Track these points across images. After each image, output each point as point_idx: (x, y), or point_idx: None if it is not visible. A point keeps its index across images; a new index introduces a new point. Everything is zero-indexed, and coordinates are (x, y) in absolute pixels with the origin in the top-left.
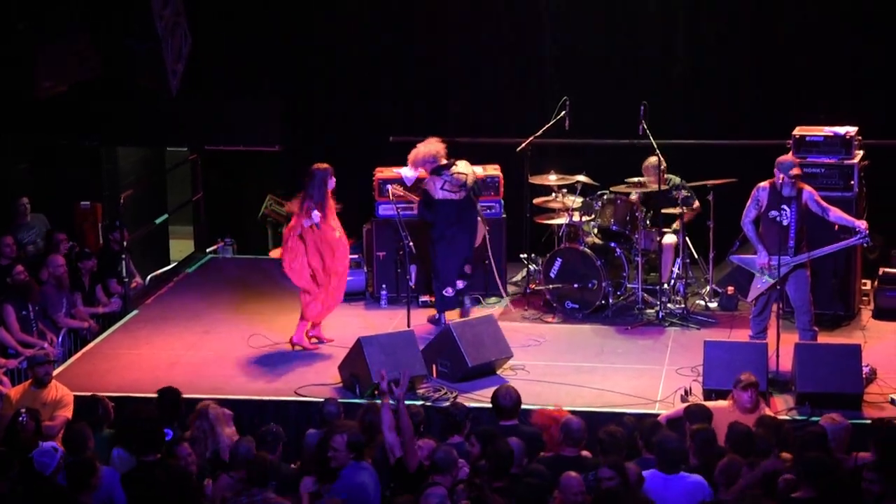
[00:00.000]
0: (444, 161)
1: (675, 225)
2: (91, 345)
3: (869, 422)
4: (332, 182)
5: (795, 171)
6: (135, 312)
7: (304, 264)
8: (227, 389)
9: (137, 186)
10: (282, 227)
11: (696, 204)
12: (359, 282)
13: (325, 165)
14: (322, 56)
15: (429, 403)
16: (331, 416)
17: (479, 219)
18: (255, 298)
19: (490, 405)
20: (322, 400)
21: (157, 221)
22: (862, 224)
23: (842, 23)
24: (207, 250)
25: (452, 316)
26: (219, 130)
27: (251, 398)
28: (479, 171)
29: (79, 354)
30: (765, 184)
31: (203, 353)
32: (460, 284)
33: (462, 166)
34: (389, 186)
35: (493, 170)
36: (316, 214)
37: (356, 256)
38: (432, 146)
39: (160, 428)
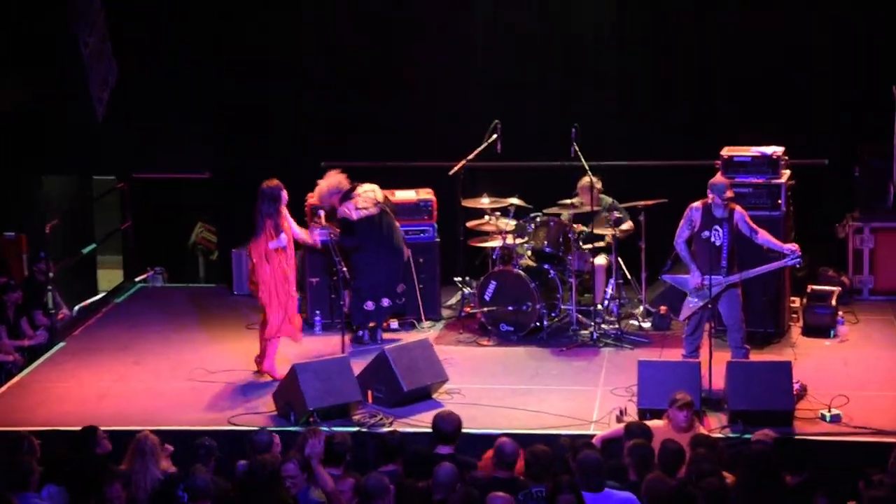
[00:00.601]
0: (348, 186)
1: (608, 246)
2: (16, 378)
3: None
4: (284, 196)
5: (729, 192)
6: (62, 344)
7: (270, 282)
8: (159, 420)
9: (64, 216)
10: (213, 255)
11: (630, 224)
12: None
13: (275, 182)
14: (253, 80)
15: (364, 430)
16: (261, 446)
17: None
18: (186, 328)
19: (427, 429)
20: (258, 428)
21: (85, 251)
22: (792, 247)
23: (767, 43)
24: (137, 280)
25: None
26: (147, 157)
27: (183, 429)
28: (412, 195)
29: (3, 388)
30: (698, 204)
31: (133, 384)
32: (386, 302)
33: (367, 186)
34: (321, 212)
35: (426, 194)
36: (283, 237)
37: None
38: (333, 178)
39: (98, 466)
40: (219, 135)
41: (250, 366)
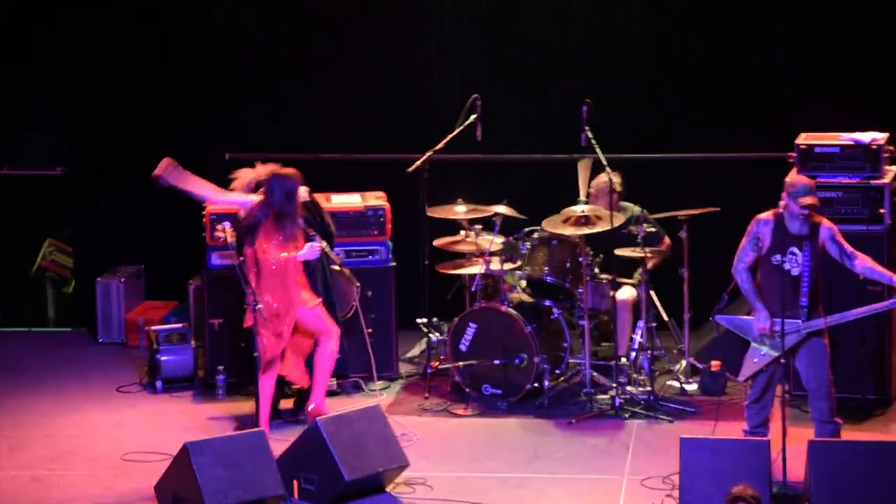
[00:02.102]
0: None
1: (637, 275)
2: None
3: None
4: (304, 193)
5: (809, 199)
6: None
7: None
8: None
9: None
10: (68, 286)
11: (666, 243)
12: (183, 363)
13: (292, 170)
14: (129, 49)
15: None
16: None
17: (339, 269)
18: (29, 392)
19: None
20: None
21: None
22: None
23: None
24: None
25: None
26: None
27: None
28: (357, 201)
29: None
30: (767, 215)
31: None
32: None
33: None
34: (226, 225)
35: (377, 199)
36: (316, 245)
37: (180, 326)
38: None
39: None
40: (76, 115)
41: (120, 446)
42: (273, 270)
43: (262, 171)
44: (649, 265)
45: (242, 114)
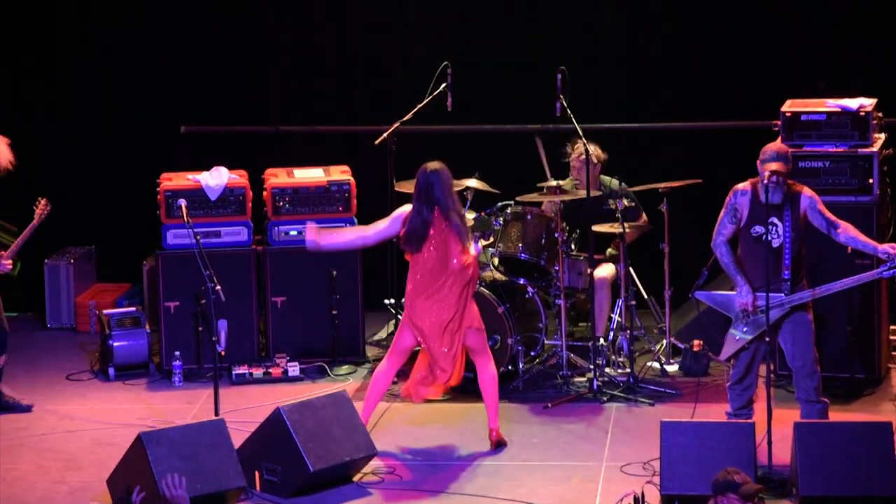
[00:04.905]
0: None
1: (611, 248)
2: None
3: None
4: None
5: (774, 165)
6: None
7: None
8: None
9: None
10: (14, 270)
11: (644, 219)
12: (138, 348)
13: (439, 164)
14: (81, 20)
15: None
16: None
17: None
18: None
19: None
20: None
21: None
22: (889, 249)
23: None
24: None
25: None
26: None
27: None
28: (319, 175)
29: None
30: (745, 185)
31: None
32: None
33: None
34: (182, 202)
35: (341, 173)
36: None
37: (133, 309)
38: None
39: None
40: (19, 85)
41: (71, 437)
42: (458, 275)
43: None
44: (628, 240)
45: (197, 84)
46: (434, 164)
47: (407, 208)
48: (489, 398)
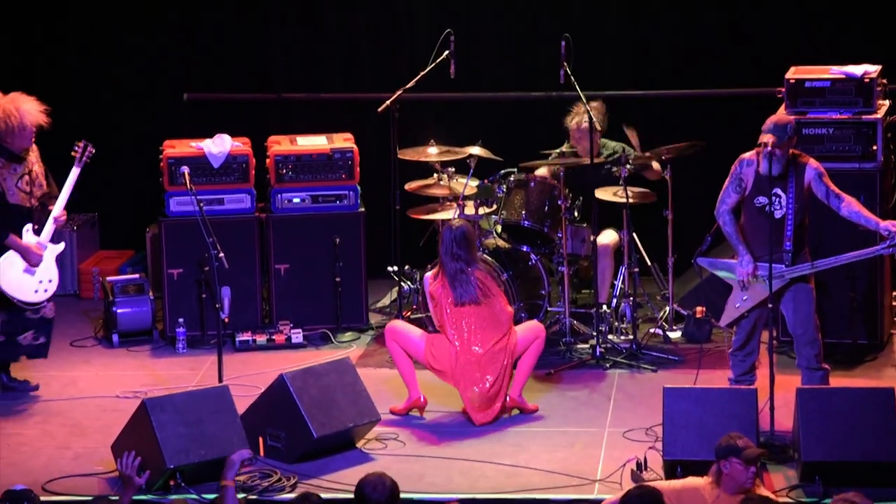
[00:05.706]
0: None
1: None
2: None
3: None
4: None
5: (765, 137)
6: None
7: None
8: None
9: None
10: None
11: (656, 167)
12: (142, 315)
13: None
14: None
15: (253, 496)
16: None
17: None
18: None
19: (349, 497)
20: (91, 498)
21: None
22: (891, 226)
23: None
24: None
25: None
26: None
27: None
28: (322, 142)
29: None
30: (750, 155)
31: None
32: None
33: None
34: (185, 169)
35: (344, 141)
36: None
37: (137, 276)
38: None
39: None
40: (21, 48)
41: (75, 403)
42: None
43: None
44: (632, 204)
45: (200, 52)
46: (455, 221)
47: (432, 273)
48: (521, 369)
